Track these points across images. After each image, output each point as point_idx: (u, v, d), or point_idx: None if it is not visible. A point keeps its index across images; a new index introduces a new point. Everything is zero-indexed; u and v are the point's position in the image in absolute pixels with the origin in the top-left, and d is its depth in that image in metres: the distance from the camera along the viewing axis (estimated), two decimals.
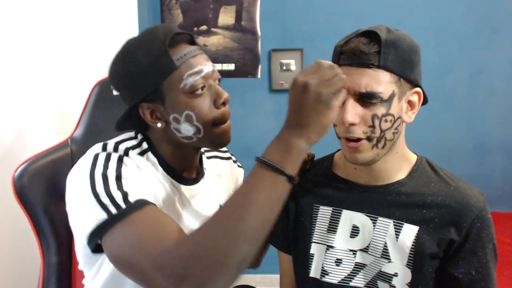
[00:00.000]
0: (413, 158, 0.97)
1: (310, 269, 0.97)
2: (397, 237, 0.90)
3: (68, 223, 0.87)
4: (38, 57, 1.58)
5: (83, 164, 0.84)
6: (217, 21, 2.62)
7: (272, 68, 2.61)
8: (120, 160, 0.83)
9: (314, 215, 0.98)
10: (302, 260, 0.98)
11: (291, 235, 1.02)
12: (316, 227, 0.97)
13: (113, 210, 0.75)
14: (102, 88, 1.35)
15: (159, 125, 0.89)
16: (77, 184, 0.81)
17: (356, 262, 0.93)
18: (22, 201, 1.16)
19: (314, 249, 0.97)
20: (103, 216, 0.75)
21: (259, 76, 2.64)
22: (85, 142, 1.31)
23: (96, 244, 0.78)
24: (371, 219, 0.93)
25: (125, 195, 0.77)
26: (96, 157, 0.83)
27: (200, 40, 2.61)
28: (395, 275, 0.90)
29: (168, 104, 0.87)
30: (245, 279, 1.16)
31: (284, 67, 2.60)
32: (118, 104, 1.33)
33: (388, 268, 0.90)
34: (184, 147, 0.93)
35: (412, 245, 0.88)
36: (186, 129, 0.88)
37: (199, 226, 0.71)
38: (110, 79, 0.93)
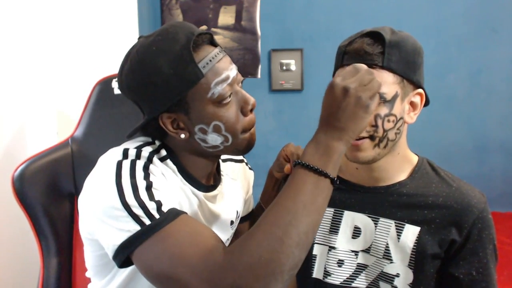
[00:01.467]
0: (414, 159, 0.97)
1: (313, 270, 0.97)
2: (398, 238, 0.90)
3: (68, 224, 0.85)
4: (38, 57, 1.57)
5: (105, 171, 0.78)
6: (217, 21, 2.62)
7: (272, 68, 2.60)
8: (146, 168, 0.79)
9: None
10: (304, 261, 0.98)
11: None
12: (319, 228, 0.97)
13: (147, 221, 0.71)
14: (103, 87, 1.34)
15: (182, 136, 0.83)
16: (100, 194, 0.76)
17: (358, 263, 0.93)
18: (21, 201, 1.16)
19: (316, 250, 0.97)
20: (135, 227, 0.71)
21: (259, 76, 2.63)
22: (86, 142, 1.31)
23: (124, 257, 0.73)
24: (372, 220, 0.93)
25: (158, 205, 0.73)
26: (119, 165, 0.77)
27: None
28: (397, 275, 0.90)
29: (193, 114, 0.81)
30: None
31: (284, 67, 2.59)
32: (119, 103, 1.33)
33: (390, 269, 0.90)
34: (207, 155, 0.89)
35: (414, 245, 0.88)
36: (214, 139, 0.84)
37: (246, 234, 0.68)
38: (125, 89, 0.85)
